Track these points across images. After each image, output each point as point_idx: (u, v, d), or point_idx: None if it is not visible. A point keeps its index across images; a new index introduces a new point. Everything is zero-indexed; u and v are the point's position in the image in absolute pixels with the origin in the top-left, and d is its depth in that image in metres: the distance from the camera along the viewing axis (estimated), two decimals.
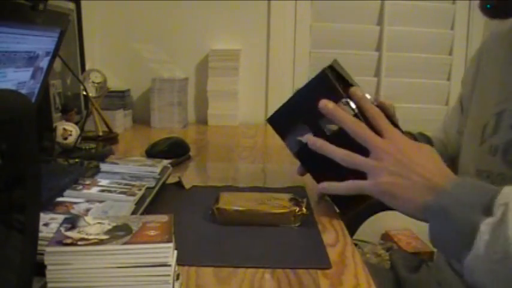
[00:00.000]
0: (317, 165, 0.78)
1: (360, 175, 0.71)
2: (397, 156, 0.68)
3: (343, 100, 0.74)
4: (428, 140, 0.95)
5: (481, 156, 0.72)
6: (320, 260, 0.62)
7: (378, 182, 0.68)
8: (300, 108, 0.78)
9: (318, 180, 0.78)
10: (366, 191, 0.70)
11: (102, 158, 0.94)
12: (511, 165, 0.66)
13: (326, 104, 0.73)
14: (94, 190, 0.74)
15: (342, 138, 0.72)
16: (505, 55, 0.75)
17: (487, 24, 1.60)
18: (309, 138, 0.75)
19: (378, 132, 0.71)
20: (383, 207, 0.70)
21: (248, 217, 0.72)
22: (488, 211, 0.56)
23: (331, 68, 0.78)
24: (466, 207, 0.58)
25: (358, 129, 0.71)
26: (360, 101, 0.74)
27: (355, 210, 0.78)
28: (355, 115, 0.73)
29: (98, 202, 0.69)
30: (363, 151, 0.71)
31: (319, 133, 0.75)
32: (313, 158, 0.75)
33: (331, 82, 0.75)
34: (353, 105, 0.74)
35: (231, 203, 0.74)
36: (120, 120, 1.52)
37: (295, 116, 0.78)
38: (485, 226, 0.54)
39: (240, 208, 0.73)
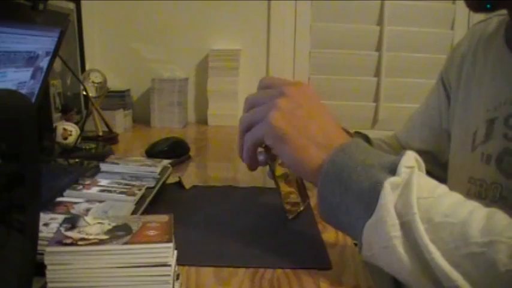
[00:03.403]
0: None
1: None
2: (296, 99, 0.59)
3: None
4: (367, 139, 0.91)
5: (474, 164, 0.71)
6: (320, 260, 0.62)
7: (269, 119, 0.58)
8: None
9: None
10: (258, 135, 0.61)
11: (102, 158, 0.94)
12: (505, 174, 0.66)
13: None
14: (94, 190, 0.74)
15: None
16: (492, 59, 0.74)
17: None
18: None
19: None
20: None
21: None
22: (391, 171, 0.51)
23: None
24: (366, 166, 0.52)
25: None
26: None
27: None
28: None
29: (98, 202, 0.69)
30: None
31: None
32: None
33: None
34: None
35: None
36: (120, 120, 1.52)
37: None
38: (390, 185, 0.49)
39: None
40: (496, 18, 0.78)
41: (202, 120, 1.72)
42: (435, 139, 0.89)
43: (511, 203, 0.64)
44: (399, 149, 0.95)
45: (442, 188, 0.52)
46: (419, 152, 0.90)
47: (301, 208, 0.76)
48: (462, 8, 1.74)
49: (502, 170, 0.66)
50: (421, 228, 0.48)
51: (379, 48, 1.75)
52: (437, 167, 0.88)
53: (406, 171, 0.51)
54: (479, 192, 0.68)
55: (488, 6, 0.68)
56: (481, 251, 0.45)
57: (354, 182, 0.53)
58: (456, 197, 0.51)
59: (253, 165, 0.68)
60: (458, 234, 0.47)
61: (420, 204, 0.49)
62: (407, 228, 0.48)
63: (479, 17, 0.80)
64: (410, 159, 0.52)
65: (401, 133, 0.99)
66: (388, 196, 0.49)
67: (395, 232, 0.49)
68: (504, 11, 0.73)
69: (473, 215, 0.48)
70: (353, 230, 0.54)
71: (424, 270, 0.48)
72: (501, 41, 0.73)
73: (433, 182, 0.53)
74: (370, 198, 0.50)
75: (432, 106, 0.90)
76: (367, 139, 0.91)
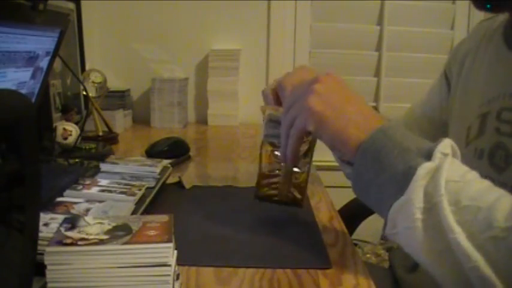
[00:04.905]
0: None
1: None
2: (330, 85, 0.62)
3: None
4: None
5: (467, 159, 0.71)
6: (320, 260, 0.62)
7: (308, 105, 0.61)
8: None
9: None
10: (301, 125, 0.62)
11: (102, 158, 0.94)
12: (498, 169, 0.66)
13: None
14: (94, 190, 0.74)
15: None
16: (490, 56, 0.74)
17: None
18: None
19: None
20: None
21: None
22: (427, 156, 0.53)
23: None
24: (404, 149, 0.54)
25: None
26: None
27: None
28: None
29: (98, 202, 0.69)
30: None
31: None
32: None
33: None
34: None
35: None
36: (120, 120, 1.52)
37: None
38: (423, 170, 0.51)
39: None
40: (501, 16, 0.79)
41: (202, 120, 1.72)
42: (434, 132, 0.89)
43: None
44: None
45: (473, 174, 0.54)
46: None
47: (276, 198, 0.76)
48: (462, 8, 1.74)
49: (493, 164, 0.66)
50: (447, 209, 0.49)
51: (379, 48, 1.75)
52: None
53: (440, 157, 0.52)
54: None
55: (488, 6, 0.68)
56: (503, 236, 0.47)
57: (390, 163, 0.54)
58: (485, 183, 0.53)
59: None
60: (483, 218, 0.48)
61: (449, 186, 0.50)
62: (434, 209, 0.50)
63: (479, 17, 0.80)
64: (446, 146, 0.54)
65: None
66: (420, 180, 0.51)
67: (420, 215, 0.50)
68: None
69: (500, 201, 0.49)
70: (381, 207, 0.55)
71: (444, 251, 0.49)
72: (500, 38, 0.73)
73: (464, 168, 0.54)
74: (403, 181, 0.52)
75: (434, 98, 0.91)
76: None
